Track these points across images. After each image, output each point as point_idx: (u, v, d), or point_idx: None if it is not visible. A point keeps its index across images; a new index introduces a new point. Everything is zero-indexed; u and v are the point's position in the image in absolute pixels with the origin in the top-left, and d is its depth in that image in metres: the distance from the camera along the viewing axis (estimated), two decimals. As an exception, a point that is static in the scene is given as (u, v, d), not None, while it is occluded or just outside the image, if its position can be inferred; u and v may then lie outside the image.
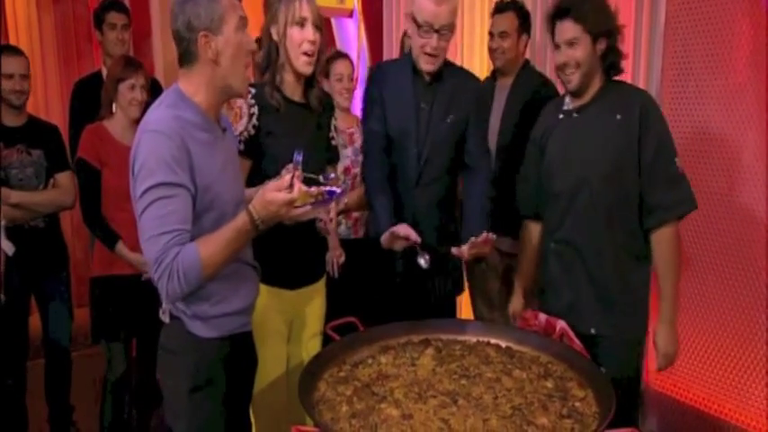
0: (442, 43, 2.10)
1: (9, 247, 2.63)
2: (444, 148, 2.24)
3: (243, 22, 1.58)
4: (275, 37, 1.96)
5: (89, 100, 2.82)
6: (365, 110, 2.33)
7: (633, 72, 2.57)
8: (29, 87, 2.81)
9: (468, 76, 2.35)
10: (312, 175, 2.00)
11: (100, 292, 2.66)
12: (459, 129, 2.25)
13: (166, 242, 1.45)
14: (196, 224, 1.54)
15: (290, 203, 1.48)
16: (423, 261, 2.13)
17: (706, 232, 2.45)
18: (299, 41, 1.93)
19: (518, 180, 2.28)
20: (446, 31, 2.08)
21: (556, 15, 1.95)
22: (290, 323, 2.14)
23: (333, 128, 2.22)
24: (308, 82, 2.05)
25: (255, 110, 1.97)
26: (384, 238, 2.13)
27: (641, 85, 2.55)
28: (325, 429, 1.44)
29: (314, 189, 1.55)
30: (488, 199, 2.26)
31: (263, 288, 2.04)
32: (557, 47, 1.98)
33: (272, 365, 2.07)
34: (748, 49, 2.28)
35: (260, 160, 1.98)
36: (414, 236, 2.09)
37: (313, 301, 2.19)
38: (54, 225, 2.91)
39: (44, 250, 2.85)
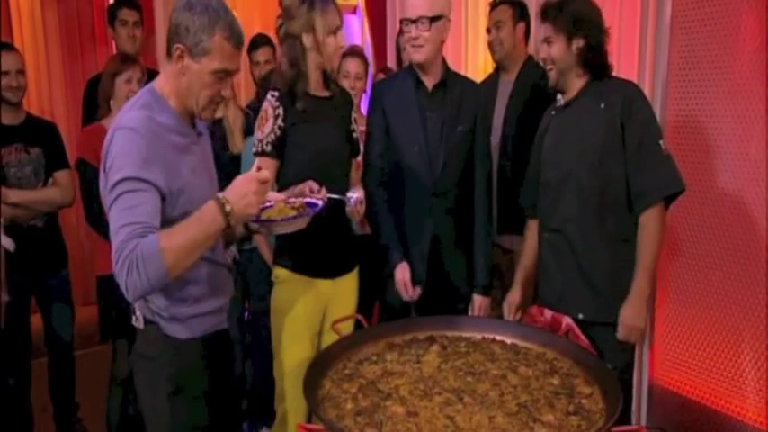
0: (424, 33, 2.13)
1: (10, 244, 2.61)
2: (460, 157, 2.26)
3: (227, 73, 1.54)
4: (307, 43, 2.05)
5: None
6: (366, 140, 2.30)
7: (639, 67, 2.57)
8: (25, 83, 2.81)
9: (472, 84, 2.37)
10: (336, 196, 2.00)
11: (105, 290, 2.65)
12: (469, 140, 2.27)
13: (128, 233, 1.38)
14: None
15: (261, 181, 1.45)
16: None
17: (710, 227, 2.43)
18: (335, 48, 2.08)
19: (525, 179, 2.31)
20: (425, 21, 2.11)
21: (539, 17, 2.07)
22: (325, 311, 2.19)
23: (353, 120, 2.28)
24: (325, 73, 2.15)
25: (281, 111, 2.07)
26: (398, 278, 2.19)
27: (647, 80, 2.55)
28: (330, 427, 1.44)
29: (297, 202, 1.54)
30: (489, 220, 2.33)
31: (299, 278, 2.11)
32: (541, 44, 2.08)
33: (301, 354, 2.11)
34: (754, 45, 2.27)
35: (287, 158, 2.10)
36: (410, 291, 2.16)
37: (348, 289, 2.25)
38: (53, 224, 2.89)
39: (43, 249, 2.84)
